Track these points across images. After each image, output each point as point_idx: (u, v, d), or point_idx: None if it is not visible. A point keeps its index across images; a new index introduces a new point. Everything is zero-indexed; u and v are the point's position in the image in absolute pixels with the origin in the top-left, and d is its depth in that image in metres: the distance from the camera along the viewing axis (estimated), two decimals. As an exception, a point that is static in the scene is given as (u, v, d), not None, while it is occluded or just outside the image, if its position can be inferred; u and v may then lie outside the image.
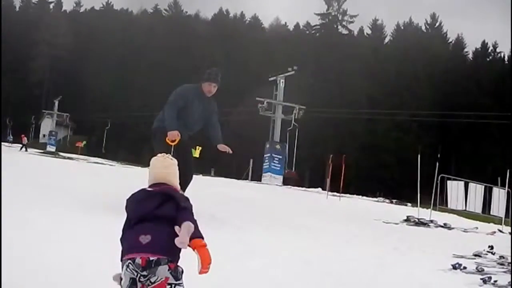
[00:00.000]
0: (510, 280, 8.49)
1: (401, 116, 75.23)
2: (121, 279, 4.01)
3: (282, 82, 55.98)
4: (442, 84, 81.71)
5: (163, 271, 3.90)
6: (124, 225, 4.18)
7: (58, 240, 7.11)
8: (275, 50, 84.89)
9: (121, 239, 4.11)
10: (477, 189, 24.18)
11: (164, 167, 4.40)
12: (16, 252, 5.91)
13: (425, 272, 8.62)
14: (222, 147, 10.46)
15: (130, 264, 3.88)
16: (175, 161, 4.49)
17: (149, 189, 4.25)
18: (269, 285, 6.48)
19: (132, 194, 4.28)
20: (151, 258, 3.86)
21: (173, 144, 9.25)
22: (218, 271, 6.60)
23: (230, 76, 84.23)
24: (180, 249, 4.03)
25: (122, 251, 4.05)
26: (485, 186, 24.63)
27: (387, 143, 78.35)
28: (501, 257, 10.65)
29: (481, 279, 8.44)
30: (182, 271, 4.02)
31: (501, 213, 22.51)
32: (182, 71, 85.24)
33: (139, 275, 3.87)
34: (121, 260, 4.02)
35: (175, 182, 4.41)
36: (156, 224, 4.01)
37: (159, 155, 4.56)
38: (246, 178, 50.74)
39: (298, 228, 11.67)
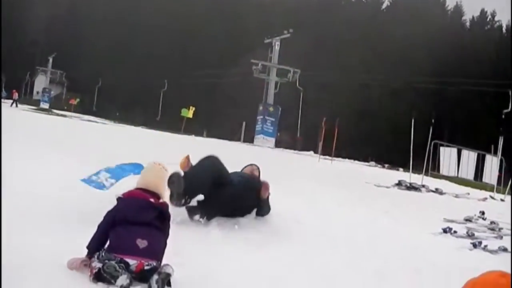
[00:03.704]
0: (500, 245, 8.50)
1: (396, 83, 75.03)
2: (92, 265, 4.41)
3: (278, 44, 55.65)
4: (438, 51, 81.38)
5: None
6: (111, 215, 4.64)
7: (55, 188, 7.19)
8: (272, 13, 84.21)
9: (107, 230, 4.55)
10: (470, 156, 24.23)
11: (158, 177, 4.95)
12: (15, 202, 5.90)
13: (415, 235, 8.61)
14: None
15: (122, 266, 4.28)
16: (168, 173, 5.07)
17: (151, 200, 4.72)
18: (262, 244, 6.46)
19: (130, 197, 4.75)
20: (145, 268, 4.35)
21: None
22: (209, 232, 6.58)
23: (225, 37, 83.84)
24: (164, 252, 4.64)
25: (110, 245, 4.49)
26: (478, 154, 24.65)
27: (381, 109, 78.21)
28: (492, 222, 10.65)
29: (471, 243, 8.44)
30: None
31: (493, 181, 22.53)
32: (177, 33, 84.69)
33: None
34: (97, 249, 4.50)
35: (164, 192, 5.01)
36: (151, 230, 4.55)
37: (155, 162, 5.07)
38: (238, 140, 50.67)
39: (290, 190, 11.59)
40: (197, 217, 6.90)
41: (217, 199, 7.06)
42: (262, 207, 7.50)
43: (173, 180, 6.68)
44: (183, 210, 6.92)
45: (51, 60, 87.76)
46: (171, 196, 6.75)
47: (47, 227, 5.53)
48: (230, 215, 7.20)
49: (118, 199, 4.80)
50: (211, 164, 7.28)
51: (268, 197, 7.58)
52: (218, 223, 6.91)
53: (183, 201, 6.97)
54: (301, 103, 55.85)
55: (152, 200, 4.72)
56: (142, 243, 4.42)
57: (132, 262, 4.34)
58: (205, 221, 6.89)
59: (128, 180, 6.29)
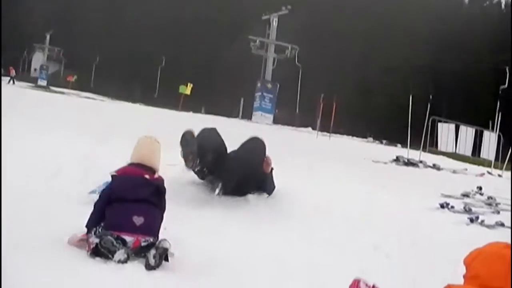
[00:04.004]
0: (497, 220, 8.54)
1: (395, 59, 74.76)
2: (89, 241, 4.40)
3: (276, 21, 55.44)
4: (437, 28, 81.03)
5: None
6: (106, 193, 4.64)
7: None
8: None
9: (103, 208, 4.55)
10: (467, 132, 24.22)
11: (151, 150, 4.86)
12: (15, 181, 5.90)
13: (413, 210, 8.62)
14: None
15: (119, 242, 4.28)
16: (160, 145, 4.91)
17: (146, 176, 4.68)
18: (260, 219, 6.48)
19: (124, 174, 4.71)
20: (142, 244, 4.33)
21: None
22: (210, 210, 6.60)
23: (223, 13, 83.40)
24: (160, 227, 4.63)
25: (106, 223, 4.48)
26: (476, 129, 24.65)
27: (380, 85, 78.02)
28: (489, 197, 10.69)
29: (468, 218, 8.46)
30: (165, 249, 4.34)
31: (491, 156, 22.56)
32: (174, 9, 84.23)
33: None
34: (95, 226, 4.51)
35: (158, 165, 4.86)
36: (147, 207, 4.54)
37: (147, 135, 4.98)
38: (237, 117, 50.63)
39: (289, 166, 11.59)
40: (218, 189, 6.94)
41: (225, 171, 7.09)
42: (266, 183, 7.47)
43: (186, 138, 6.72)
44: (191, 189, 6.94)
45: (48, 37, 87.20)
46: (186, 158, 6.78)
47: (47, 205, 5.54)
48: (236, 193, 7.21)
49: (113, 176, 4.75)
50: (213, 132, 7.40)
51: (271, 173, 7.58)
52: (220, 200, 6.93)
53: (197, 161, 6.97)
54: (299, 79, 55.68)
55: (147, 176, 4.68)
56: (138, 220, 4.42)
57: (129, 239, 4.34)
58: (222, 194, 6.94)
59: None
